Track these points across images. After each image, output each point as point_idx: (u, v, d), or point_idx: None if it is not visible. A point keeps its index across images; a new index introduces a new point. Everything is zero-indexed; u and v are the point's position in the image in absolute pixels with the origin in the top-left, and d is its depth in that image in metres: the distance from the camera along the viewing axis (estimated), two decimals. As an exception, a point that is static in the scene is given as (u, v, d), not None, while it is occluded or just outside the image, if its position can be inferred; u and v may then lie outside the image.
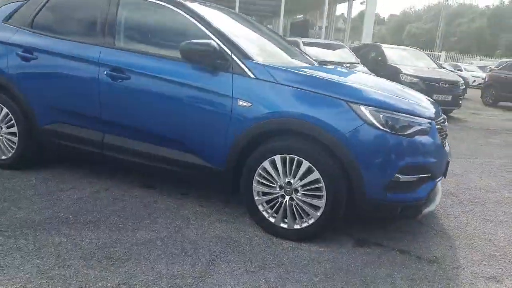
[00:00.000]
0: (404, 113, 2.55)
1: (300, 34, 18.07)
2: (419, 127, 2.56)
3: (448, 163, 2.86)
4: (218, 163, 2.83)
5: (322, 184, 2.52)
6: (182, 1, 3.08)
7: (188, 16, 2.98)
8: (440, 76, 9.89)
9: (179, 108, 2.87)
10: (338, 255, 2.56)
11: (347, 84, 2.70)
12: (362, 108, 2.46)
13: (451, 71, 11.97)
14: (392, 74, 9.82)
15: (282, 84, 2.63)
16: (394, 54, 11.29)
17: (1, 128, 3.59)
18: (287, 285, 2.20)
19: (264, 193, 2.72)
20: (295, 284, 2.21)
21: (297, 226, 2.66)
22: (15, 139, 3.54)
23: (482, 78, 22.06)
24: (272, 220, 2.72)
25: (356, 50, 11.87)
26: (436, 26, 45.00)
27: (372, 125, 2.44)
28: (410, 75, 9.82)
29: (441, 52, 30.24)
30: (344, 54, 10.59)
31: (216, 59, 2.74)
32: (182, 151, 2.95)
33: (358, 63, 10.16)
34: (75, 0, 3.47)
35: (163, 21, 3.15)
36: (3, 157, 3.63)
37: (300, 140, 2.57)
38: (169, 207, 3.08)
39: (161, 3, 3.09)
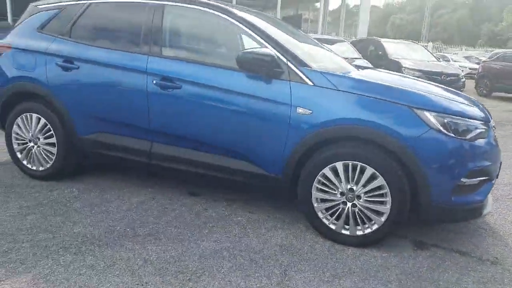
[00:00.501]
0: (464, 117, 2.58)
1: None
2: (479, 130, 2.59)
3: (501, 163, 2.91)
4: (274, 170, 2.83)
5: (386, 190, 2.54)
6: (232, 9, 3.04)
7: (239, 24, 2.96)
8: (441, 70, 10.04)
9: (233, 116, 2.85)
10: (403, 260, 2.59)
11: (408, 90, 2.71)
12: (427, 113, 2.49)
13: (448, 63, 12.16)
14: (394, 68, 9.93)
15: (342, 91, 2.63)
16: (393, 48, 11.41)
17: (39, 139, 3.51)
18: (367, 293, 2.23)
19: (324, 200, 2.73)
20: (373, 292, 2.24)
21: (359, 232, 2.68)
22: (54, 149, 3.47)
23: (470, 69, 22.49)
24: (332, 226, 2.73)
25: (354, 44, 11.93)
26: (419, 17, 45.48)
27: (438, 130, 2.46)
28: (412, 69, 9.94)
29: (428, 43, 30.60)
30: (346, 49, 10.64)
31: (275, 68, 2.72)
32: (236, 159, 2.94)
33: (360, 58, 10.24)
34: (115, 9, 3.38)
35: (212, 29, 3.11)
36: (41, 168, 3.56)
37: (363, 146, 2.58)
38: (221, 215, 3.07)
39: (210, 10, 3.05)
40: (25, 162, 3.61)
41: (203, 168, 3.04)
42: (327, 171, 2.66)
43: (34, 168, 3.58)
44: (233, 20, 2.98)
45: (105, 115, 3.26)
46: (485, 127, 2.67)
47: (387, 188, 2.54)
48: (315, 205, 2.75)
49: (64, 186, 3.46)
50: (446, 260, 2.62)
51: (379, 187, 2.56)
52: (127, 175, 3.77)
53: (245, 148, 2.88)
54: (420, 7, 61.22)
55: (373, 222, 2.63)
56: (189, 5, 3.11)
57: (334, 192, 2.68)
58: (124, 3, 3.34)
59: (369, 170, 2.56)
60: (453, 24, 59.76)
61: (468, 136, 2.53)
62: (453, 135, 2.48)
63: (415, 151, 2.46)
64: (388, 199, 2.56)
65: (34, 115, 3.48)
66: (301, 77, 2.71)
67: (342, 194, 2.66)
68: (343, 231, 2.71)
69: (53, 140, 3.46)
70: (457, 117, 2.54)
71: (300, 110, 2.66)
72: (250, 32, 2.92)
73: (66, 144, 3.44)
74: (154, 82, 3.01)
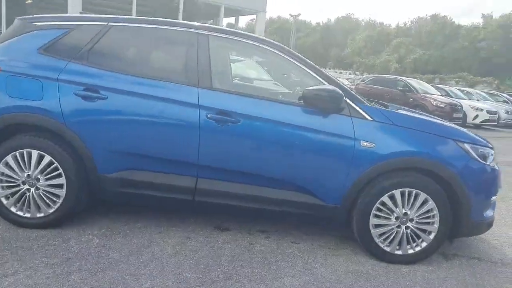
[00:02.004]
0: (485, 146, 3.14)
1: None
2: (492, 156, 3.18)
3: None
4: (334, 201, 2.97)
5: (435, 212, 2.93)
6: (284, 46, 3.09)
7: (295, 62, 3.06)
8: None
9: (295, 150, 2.90)
10: (460, 272, 2.97)
11: (449, 125, 3.16)
12: (466, 145, 2.96)
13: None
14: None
15: (399, 126, 2.94)
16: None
17: (38, 180, 2.93)
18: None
19: (379, 225, 2.98)
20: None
21: (410, 251, 3.00)
22: (60, 191, 2.95)
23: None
24: (387, 249, 2.99)
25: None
26: (285, 41, 49.83)
27: (475, 159, 2.96)
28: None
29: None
30: (255, 70, 11.13)
31: (340, 104, 2.88)
32: (294, 191, 2.98)
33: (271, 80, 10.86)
34: (146, 34, 3.08)
35: (267, 64, 3.11)
36: (38, 215, 2.98)
37: (419, 175, 2.92)
38: (271, 249, 3.05)
39: (265, 47, 3.07)
40: (13, 209, 2.97)
41: (256, 202, 3.00)
42: (386, 198, 2.92)
43: (27, 215, 2.97)
44: (287, 57, 3.05)
45: (139, 151, 2.94)
46: (493, 152, 3.27)
47: (436, 210, 2.92)
48: (372, 230, 2.97)
49: (73, 234, 2.96)
50: (474, 266, 3.11)
51: (430, 210, 2.93)
52: (129, 213, 3.40)
53: (305, 180, 2.96)
54: (279, 30, 66.82)
55: (422, 240, 2.98)
56: (236, 38, 3.05)
57: (389, 217, 2.95)
58: (157, 29, 3.08)
59: (423, 196, 2.91)
60: (307, 47, 66.90)
61: (490, 162, 3.09)
62: (484, 162, 3.01)
63: (462, 178, 2.90)
64: (437, 219, 2.94)
65: (35, 152, 2.91)
66: (360, 113, 2.93)
67: (397, 218, 2.95)
68: (397, 252, 3.00)
69: (60, 180, 2.94)
70: (482, 146, 3.09)
71: (364, 143, 2.87)
72: (306, 69, 3.03)
73: (79, 184, 2.96)
74: (209, 116, 2.86)
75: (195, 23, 3.14)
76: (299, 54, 3.12)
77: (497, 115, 15.70)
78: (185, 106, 2.88)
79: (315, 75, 3.02)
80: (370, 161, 2.88)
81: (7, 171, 2.92)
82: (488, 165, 3.04)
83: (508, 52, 39.13)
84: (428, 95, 13.96)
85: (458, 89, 18.45)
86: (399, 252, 3.00)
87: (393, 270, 2.91)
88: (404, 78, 16.41)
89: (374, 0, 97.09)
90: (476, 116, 14.99)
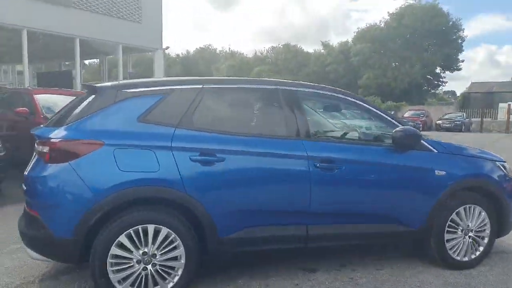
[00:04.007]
0: (504, 161, 3.93)
1: (62, 85, 15.88)
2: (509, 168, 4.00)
3: None
4: (418, 224, 3.41)
5: (487, 221, 3.61)
6: (361, 97, 3.46)
7: (372, 109, 3.47)
8: None
9: (389, 186, 3.29)
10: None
11: (484, 150, 3.89)
12: (498, 163, 3.74)
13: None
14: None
15: (456, 154, 3.56)
16: None
17: (155, 256, 2.67)
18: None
19: (449, 240, 3.50)
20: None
21: (473, 256, 3.60)
22: (179, 263, 2.74)
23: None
24: (458, 258, 3.54)
25: None
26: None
27: (508, 175, 3.76)
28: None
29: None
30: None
31: (419, 141, 3.36)
32: (385, 223, 3.34)
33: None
34: (241, 93, 3.16)
35: (349, 113, 3.40)
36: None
37: (474, 193, 3.57)
38: (377, 275, 3.31)
39: (347, 98, 3.42)
40: (135, 295, 2.64)
41: (357, 239, 3.28)
42: (454, 215, 3.49)
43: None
44: (367, 106, 3.44)
45: (256, 207, 2.94)
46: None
47: (488, 219, 3.59)
48: (446, 244, 3.50)
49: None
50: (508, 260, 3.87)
51: (483, 220, 3.58)
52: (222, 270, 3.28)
53: (399, 211, 3.34)
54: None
55: (479, 245, 3.62)
56: (320, 91, 3.34)
57: (456, 231, 3.52)
58: (248, 89, 3.18)
59: (479, 209, 3.56)
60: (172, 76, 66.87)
61: (509, 173, 3.90)
62: (507, 173, 3.82)
63: (504, 192, 3.64)
64: (488, 226, 3.61)
65: (151, 226, 2.65)
66: (428, 147, 3.46)
67: (461, 231, 3.54)
68: (463, 259, 3.56)
69: (179, 252, 2.73)
70: (503, 162, 3.90)
71: (437, 172, 3.40)
72: (382, 114, 3.46)
73: (199, 252, 2.80)
74: (317, 165, 3.03)
75: (280, 80, 3.32)
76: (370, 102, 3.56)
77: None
78: (296, 158, 3.02)
79: (388, 118, 3.48)
80: (443, 186, 3.42)
81: (120, 252, 2.59)
82: (509, 175, 3.87)
83: (349, 73, 46.06)
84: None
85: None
86: (466, 259, 3.58)
87: (468, 274, 3.47)
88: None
89: (229, 32, 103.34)
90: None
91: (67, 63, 22.27)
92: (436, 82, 46.80)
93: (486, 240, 3.64)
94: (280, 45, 56.11)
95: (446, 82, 50.24)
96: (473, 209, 3.55)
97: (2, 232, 4.14)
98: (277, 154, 2.99)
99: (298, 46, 54.90)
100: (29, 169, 2.86)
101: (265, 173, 2.95)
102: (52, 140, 2.65)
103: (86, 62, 21.83)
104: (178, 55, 77.95)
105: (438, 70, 45.32)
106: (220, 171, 2.82)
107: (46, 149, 2.65)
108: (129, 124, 2.73)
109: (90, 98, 2.87)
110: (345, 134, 3.79)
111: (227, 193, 2.85)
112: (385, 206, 3.32)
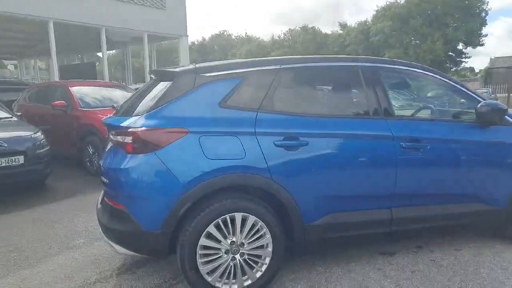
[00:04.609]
0: None
1: (86, 77, 15.69)
2: None
3: None
4: (500, 204, 3.25)
5: None
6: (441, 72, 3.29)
7: (451, 83, 3.29)
8: None
9: (474, 164, 3.15)
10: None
11: None
12: None
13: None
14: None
15: None
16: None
17: (243, 246, 2.60)
18: None
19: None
20: None
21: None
22: (267, 251, 2.66)
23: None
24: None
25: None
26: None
27: None
28: None
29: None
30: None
31: (504, 116, 3.18)
32: (471, 203, 3.19)
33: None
34: (320, 72, 3.02)
35: (430, 89, 3.24)
36: (246, 283, 2.64)
37: None
38: (462, 263, 3.18)
39: (424, 72, 3.26)
40: (218, 284, 2.58)
41: (441, 220, 3.15)
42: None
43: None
44: (446, 80, 3.27)
45: (341, 192, 2.83)
46: None
47: None
48: (531, 225, 3.34)
49: None
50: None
51: None
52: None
53: (484, 190, 3.19)
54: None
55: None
56: (400, 67, 3.17)
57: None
58: (328, 67, 3.03)
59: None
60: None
61: None
62: None
63: None
64: None
65: (238, 215, 2.58)
66: (510, 121, 3.28)
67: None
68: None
69: (266, 240, 2.65)
70: None
71: (519, 146, 3.23)
72: (463, 89, 3.28)
73: (285, 240, 2.72)
74: (404, 145, 2.90)
75: (359, 57, 3.16)
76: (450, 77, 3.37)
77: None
78: (381, 139, 2.89)
79: (471, 93, 3.30)
80: (525, 162, 3.24)
81: (210, 243, 2.53)
82: None
83: (369, 53, 45.06)
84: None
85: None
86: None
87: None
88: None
89: (244, 17, 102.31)
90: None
91: (82, 55, 22.26)
92: (458, 59, 45.40)
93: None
94: (297, 28, 55.33)
95: (470, 57, 48.72)
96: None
97: (61, 228, 4.13)
98: (362, 135, 2.86)
99: (316, 27, 53.97)
100: (107, 161, 2.80)
101: (350, 156, 2.83)
102: (133, 129, 2.56)
103: (99, 54, 21.66)
104: (193, 42, 77.81)
105: (460, 46, 43.90)
106: (304, 156, 2.70)
107: (127, 139, 2.57)
108: (212, 110, 2.63)
109: (165, 84, 2.77)
110: (419, 111, 3.63)
111: (311, 178, 2.74)
112: (471, 185, 3.17)
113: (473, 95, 3.31)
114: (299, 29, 54.24)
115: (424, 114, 3.60)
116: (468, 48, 44.15)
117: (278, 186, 2.63)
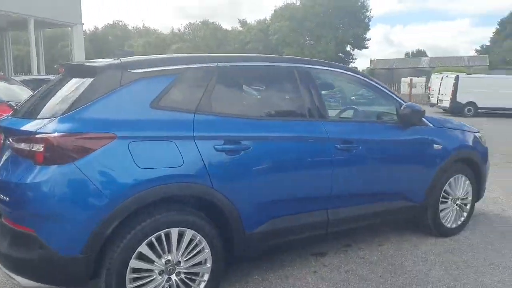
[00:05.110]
0: (478, 132, 4.18)
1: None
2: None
3: None
4: (420, 199, 3.47)
5: (470, 188, 3.81)
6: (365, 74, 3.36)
7: (377, 85, 3.38)
8: None
9: (400, 162, 3.32)
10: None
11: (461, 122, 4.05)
12: (477, 135, 3.93)
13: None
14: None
15: (446, 128, 3.67)
16: None
17: (179, 264, 2.34)
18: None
19: (443, 209, 3.65)
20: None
21: (456, 224, 3.77)
22: (205, 267, 2.44)
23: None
24: (448, 225, 3.70)
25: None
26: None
27: (483, 144, 3.98)
28: None
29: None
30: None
31: (422, 118, 3.38)
32: (395, 201, 3.35)
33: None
34: (258, 72, 2.86)
35: (356, 92, 3.27)
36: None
37: (461, 163, 3.72)
38: (399, 261, 3.31)
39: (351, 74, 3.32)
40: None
41: (372, 219, 3.27)
42: (447, 187, 3.62)
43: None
44: (372, 82, 3.37)
45: (280, 196, 2.72)
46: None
47: (470, 187, 3.81)
48: (441, 214, 3.63)
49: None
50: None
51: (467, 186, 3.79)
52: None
53: (406, 188, 3.38)
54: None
55: (463, 212, 3.81)
56: (332, 69, 3.18)
57: (446, 200, 3.66)
58: (267, 66, 2.92)
59: (464, 178, 3.73)
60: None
61: (483, 142, 4.13)
62: (481, 142, 4.04)
63: (482, 160, 3.87)
64: (470, 192, 3.81)
65: (174, 230, 2.30)
66: (426, 122, 3.50)
67: (451, 200, 3.69)
68: (451, 226, 3.72)
69: (206, 255, 2.42)
70: (478, 133, 4.10)
71: (435, 146, 3.47)
72: (387, 92, 3.40)
73: (224, 253, 2.52)
74: (339, 147, 2.90)
75: (294, 57, 3.07)
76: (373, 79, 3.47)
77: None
78: (318, 141, 2.86)
79: (394, 96, 3.44)
80: (441, 159, 3.50)
81: (141, 265, 2.22)
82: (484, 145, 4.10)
83: (268, 51, 46.62)
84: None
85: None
86: (453, 226, 3.75)
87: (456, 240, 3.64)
88: None
89: (141, 8, 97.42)
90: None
91: None
92: (347, 60, 49.43)
93: (469, 206, 3.85)
94: (198, 22, 54.62)
95: (356, 59, 53.42)
96: (460, 179, 3.72)
97: None
98: (301, 137, 2.81)
99: (217, 23, 53.92)
100: (4, 173, 2.27)
101: (292, 158, 2.75)
102: (43, 135, 2.10)
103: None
104: (84, 31, 71.97)
105: (348, 48, 47.88)
106: (246, 161, 2.53)
107: (36, 147, 2.10)
108: (142, 111, 2.29)
109: (81, 81, 2.36)
110: (343, 112, 3.71)
111: (253, 183, 2.59)
112: (398, 183, 3.34)
113: (396, 97, 3.48)
114: (200, 23, 53.64)
115: (348, 114, 3.70)
116: (355, 50, 48.58)
117: (219, 195, 2.42)
